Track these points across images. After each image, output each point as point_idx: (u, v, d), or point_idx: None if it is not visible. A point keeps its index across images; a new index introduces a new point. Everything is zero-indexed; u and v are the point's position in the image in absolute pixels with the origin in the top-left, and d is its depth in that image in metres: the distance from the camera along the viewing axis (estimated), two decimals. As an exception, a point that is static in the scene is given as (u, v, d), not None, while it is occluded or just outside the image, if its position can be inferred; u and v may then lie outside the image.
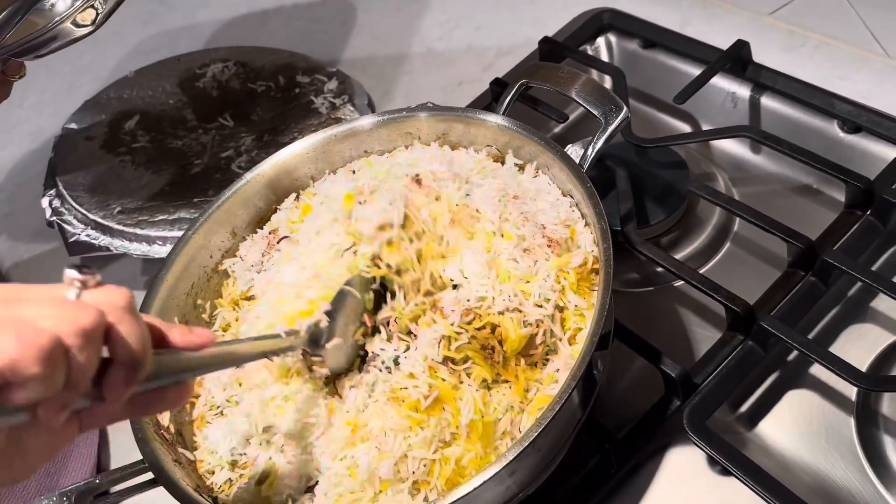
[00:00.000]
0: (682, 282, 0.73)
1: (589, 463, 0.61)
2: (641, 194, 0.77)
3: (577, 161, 0.63)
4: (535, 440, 0.49)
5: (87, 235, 0.85)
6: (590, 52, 0.94)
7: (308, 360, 0.57)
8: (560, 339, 0.57)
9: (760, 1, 0.91)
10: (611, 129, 0.62)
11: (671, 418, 0.62)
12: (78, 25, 0.71)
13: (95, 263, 0.91)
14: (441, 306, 0.58)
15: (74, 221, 0.86)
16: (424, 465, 0.53)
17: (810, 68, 0.84)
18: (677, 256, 0.74)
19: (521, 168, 0.67)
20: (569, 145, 0.65)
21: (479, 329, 0.57)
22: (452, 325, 0.57)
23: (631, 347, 0.65)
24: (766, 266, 0.73)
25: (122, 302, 0.41)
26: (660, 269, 0.75)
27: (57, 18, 0.69)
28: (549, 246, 0.59)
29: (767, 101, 0.83)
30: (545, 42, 0.92)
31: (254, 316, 0.63)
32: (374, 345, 0.58)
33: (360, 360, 0.59)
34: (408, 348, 0.57)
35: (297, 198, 0.73)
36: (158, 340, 0.45)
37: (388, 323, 0.58)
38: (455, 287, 0.59)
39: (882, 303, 0.67)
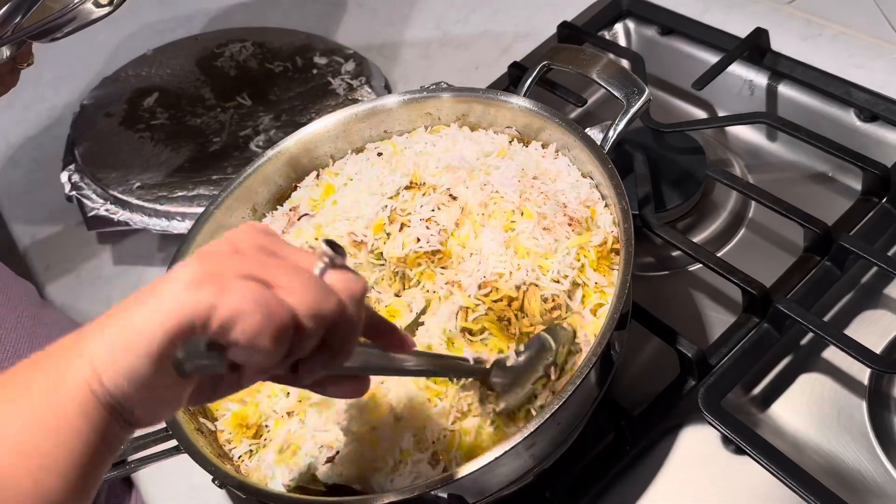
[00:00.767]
0: (697, 266, 0.74)
1: (604, 440, 0.62)
2: (658, 179, 0.77)
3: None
4: (556, 413, 0.50)
5: (107, 210, 0.85)
6: (608, 38, 0.94)
7: (482, 392, 0.55)
8: (580, 314, 0.57)
9: (778, -11, 0.91)
10: (633, 111, 0.63)
11: (686, 398, 0.63)
12: (98, 6, 0.71)
13: (114, 238, 0.92)
14: (459, 279, 0.60)
15: (94, 196, 0.87)
16: (444, 436, 0.54)
17: (828, 57, 0.84)
18: (693, 241, 0.74)
19: (545, 147, 0.68)
20: (587, 128, 0.66)
21: (495, 301, 0.58)
22: (470, 296, 0.58)
23: (647, 328, 0.65)
24: (781, 252, 0.74)
25: (358, 293, 0.40)
26: (675, 254, 0.75)
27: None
28: (569, 224, 0.60)
29: (784, 89, 0.83)
30: (564, 26, 0.92)
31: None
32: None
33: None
34: None
35: (318, 176, 0.74)
36: (380, 335, 0.46)
37: None
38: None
39: (895, 290, 0.68)
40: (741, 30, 0.86)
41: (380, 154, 0.71)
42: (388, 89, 0.99)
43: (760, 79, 0.84)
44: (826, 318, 0.67)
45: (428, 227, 0.63)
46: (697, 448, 0.62)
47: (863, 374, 0.64)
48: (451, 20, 1.09)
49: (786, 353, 0.66)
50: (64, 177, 0.90)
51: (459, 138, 0.69)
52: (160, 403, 0.38)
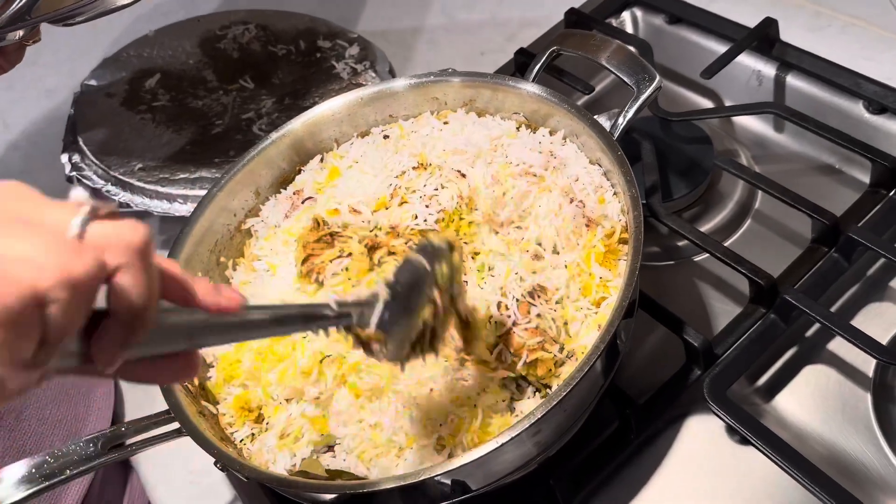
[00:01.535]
0: (703, 256, 0.74)
1: (609, 428, 0.62)
2: (665, 168, 0.77)
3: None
4: (562, 401, 0.50)
5: (108, 191, 0.85)
6: (615, 25, 0.93)
7: (360, 337, 0.46)
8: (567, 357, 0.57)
9: (788, -20, 0.91)
10: (643, 98, 0.62)
11: (691, 387, 0.63)
12: None
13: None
14: None
15: (94, 177, 0.86)
16: (451, 421, 0.54)
17: (837, 48, 0.84)
18: (700, 230, 0.74)
19: (552, 133, 0.67)
20: (595, 116, 0.65)
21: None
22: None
23: (654, 317, 0.65)
24: (787, 243, 0.73)
25: (135, 241, 0.33)
26: (681, 244, 0.75)
27: None
28: (587, 226, 0.59)
29: (793, 80, 0.83)
30: (571, 13, 0.92)
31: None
32: None
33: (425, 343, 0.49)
34: None
35: (322, 160, 0.73)
36: (176, 295, 0.37)
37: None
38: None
39: (901, 282, 0.68)
40: (749, 20, 0.85)
41: (386, 137, 0.70)
42: (392, 74, 0.98)
43: (769, 69, 0.84)
44: (832, 310, 0.67)
45: (427, 206, 0.62)
46: (702, 437, 0.62)
47: (868, 365, 0.64)
48: (457, 6, 1.08)
49: (791, 344, 0.66)
50: (65, 157, 0.89)
51: (468, 123, 0.69)
52: None
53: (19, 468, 0.52)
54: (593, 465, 0.61)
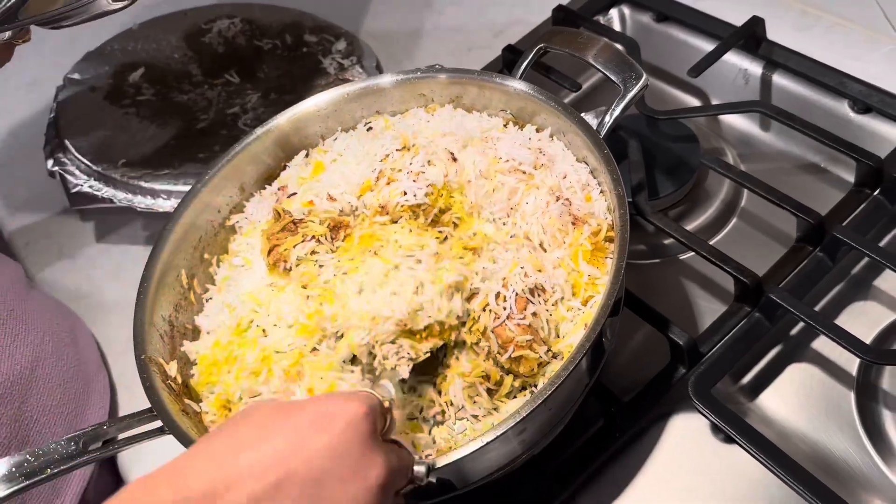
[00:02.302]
0: (688, 255, 0.74)
1: (594, 426, 0.62)
2: (652, 166, 0.77)
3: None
4: (547, 399, 0.50)
5: (90, 187, 0.84)
6: (602, 23, 0.93)
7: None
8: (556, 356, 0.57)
9: (774, -21, 0.91)
10: (630, 96, 0.62)
11: (676, 386, 0.63)
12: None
13: (97, 215, 0.90)
14: None
15: (77, 172, 0.85)
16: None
17: (823, 48, 0.84)
18: (686, 229, 0.74)
19: (539, 131, 0.67)
20: (581, 114, 0.65)
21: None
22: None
23: (639, 315, 0.65)
24: (772, 242, 0.74)
25: None
26: (666, 242, 0.75)
27: None
28: (573, 224, 0.59)
29: (779, 79, 0.83)
30: (559, 10, 0.92)
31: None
32: None
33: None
34: None
35: (307, 155, 0.73)
36: None
37: None
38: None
39: (885, 282, 0.68)
40: (736, 18, 0.85)
41: (370, 129, 0.69)
42: (379, 70, 0.98)
43: (755, 68, 0.84)
44: (817, 309, 0.67)
45: (415, 181, 0.61)
46: (686, 436, 0.62)
47: (851, 364, 0.64)
48: (445, 1, 1.07)
49: (776, 342, 0.66)
50: (47, 152, 0.88)
51: (456, 115, 0.68)
52: None
53: (-1, 467, 0.51)
54: (578, 463, 0.61)
